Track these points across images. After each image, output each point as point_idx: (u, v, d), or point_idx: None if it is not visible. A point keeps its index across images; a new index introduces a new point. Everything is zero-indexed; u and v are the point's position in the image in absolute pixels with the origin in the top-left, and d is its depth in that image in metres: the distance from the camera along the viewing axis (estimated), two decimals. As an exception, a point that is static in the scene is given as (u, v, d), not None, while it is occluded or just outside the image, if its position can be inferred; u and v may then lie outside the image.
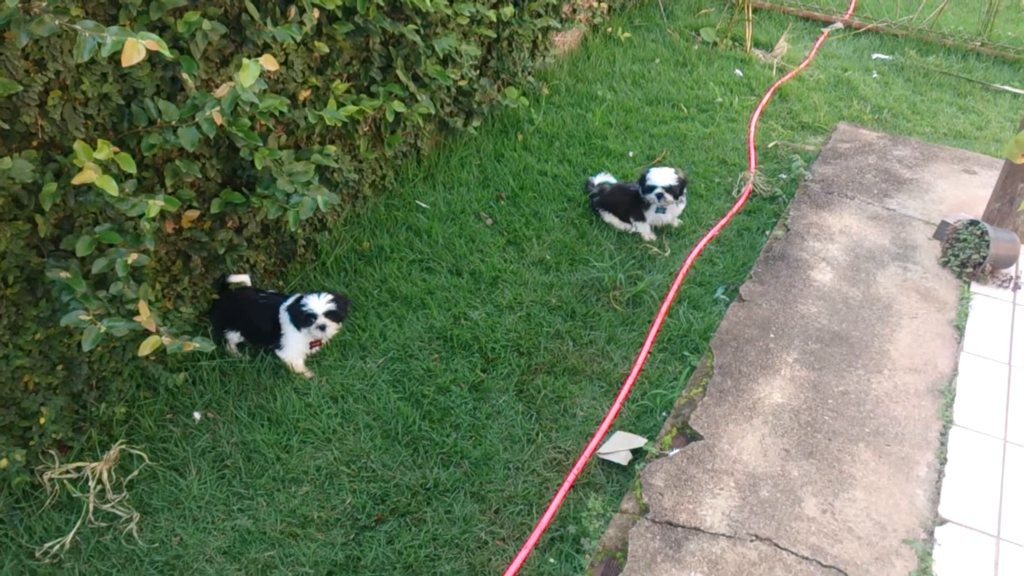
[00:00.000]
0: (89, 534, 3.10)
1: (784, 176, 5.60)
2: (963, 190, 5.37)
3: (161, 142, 2.99)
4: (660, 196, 4.68)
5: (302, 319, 3.61)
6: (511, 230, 4.87)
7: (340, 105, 3.97)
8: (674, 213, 4.90)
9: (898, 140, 6.04)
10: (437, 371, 3.87)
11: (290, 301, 3.70)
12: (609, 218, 4.99)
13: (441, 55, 4.70)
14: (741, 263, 4.70)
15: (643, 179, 4.73)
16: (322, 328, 3.62)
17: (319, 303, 3.59)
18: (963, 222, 4.65)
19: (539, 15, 5.90)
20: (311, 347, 3.77)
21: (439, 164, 5.32)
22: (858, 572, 2.93)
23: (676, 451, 3.39)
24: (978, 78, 7.44)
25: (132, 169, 2.77)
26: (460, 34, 4.98)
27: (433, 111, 4.76)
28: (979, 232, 4.52)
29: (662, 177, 4.68)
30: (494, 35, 5.31)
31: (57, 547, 3.03)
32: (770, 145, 6.04)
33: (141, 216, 2.85)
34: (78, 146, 2.66)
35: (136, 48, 2.40)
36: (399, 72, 4.45)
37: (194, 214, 3.48)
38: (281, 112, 3.45)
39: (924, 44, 8.07)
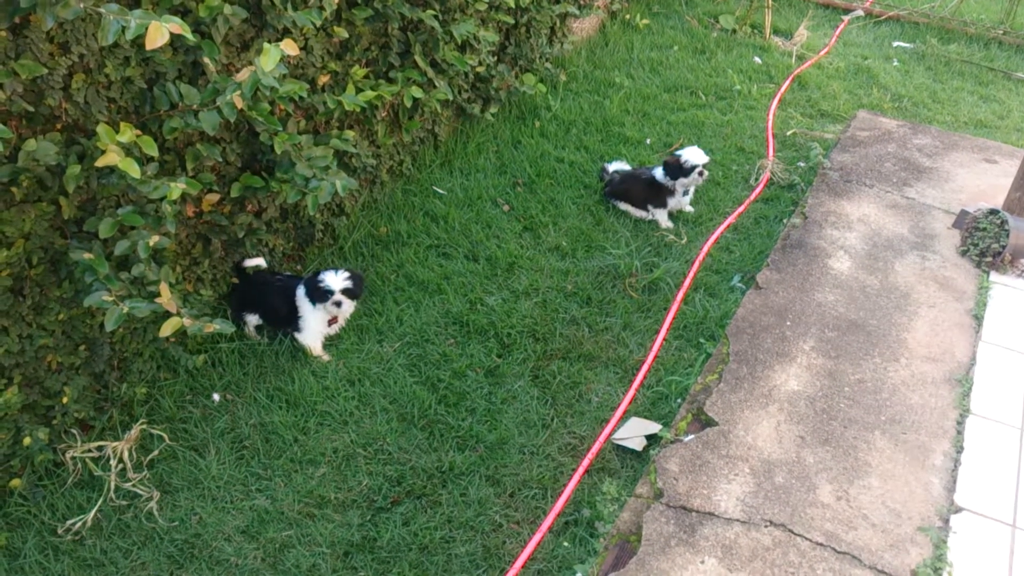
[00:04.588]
0: (110, 512, 3.15)
1: (802, 164, 5.57)
2: (983, 179, 5.33)
3: (183, 125, 3.02)
4: (700, 174, 4.68)
5: (319, 295, 3.64)
6: (527, 216, 4.88)
7: (359, 90, 3.98)
8: (689, 196, 4.90)
9: (918, 129, 5.99)
10: (453, 356, 3.89)
11: (307, 277, 3.74)
12: (624, 206, 4.98)
13: (459, 41, 4.70)
14: (758, 251, 4.68)
15: (673, 163, 4.70)
16: (338, 304, 3.65)
17: (336, 279, 3.63)
18: (983, 211, 4.61)
19: (557, 1, 5.89)
20: (328, 324, 3.80)
21: (456, 150, 5.33)
22: (872, 559, 2.94)
23: (691, 437, 3.40)
24: (1000, 67, 7.36)
25: (154, 152, 2.80)
26: (478, 20, 4.97)
27: (451, 97, 4.77)
28: (999, 221, 4.49)
29: (697, 155, 4.68)
30: (512, 21, 5.31)
31: (79, 524, 3.08)
32: (788, 133, 6.01)
33: (163, 199, 2.88)
34: (101, 129, 2.69)
35: (160, 31, 2.42)
36: (417, 58, 4.45)
37: (214, 197, 3.51)
38: (300, 97, 3.47)
39: (945, 32, 7.99)
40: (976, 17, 8.21)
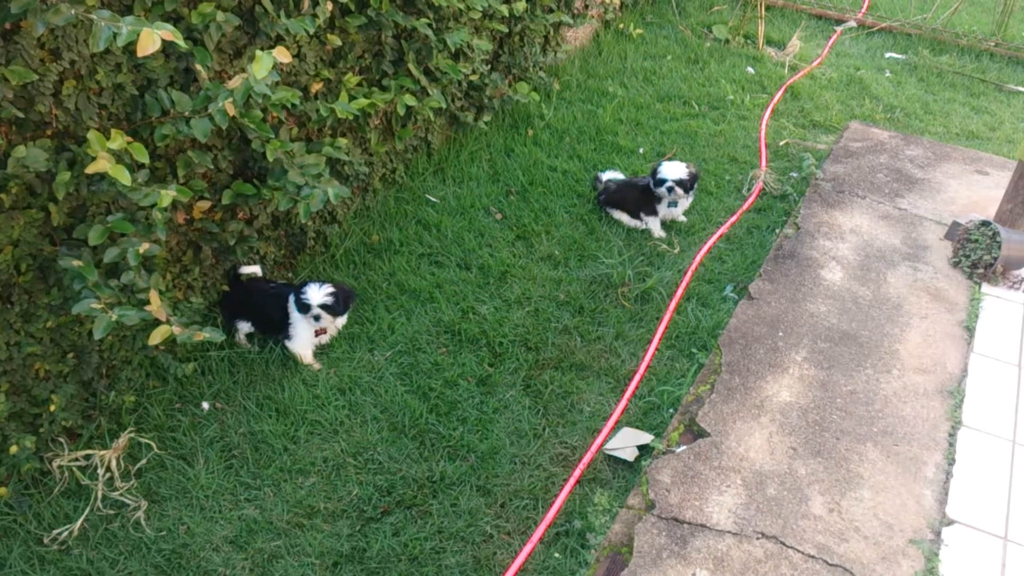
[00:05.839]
0: (97, 521, 3.12)
1: (795, 174, 5.58)
2: (975, 191, 5.35)
3: (174, 132, 3.00)
4: (671, 190, 4.68)
5: (300, 306, 3.66)
6: (520, 225, 4.87)
7: (352, 98, 3.97)
8: (682, 207, 4.90)
9: (910, 140, 6.01)
10: (445, 365, 3.88)
11: (296, 286, 3.74)
12: (618, 215, 4.99)
13: (453, 49, 4.69)
14: (751, 261, 4.69)
15: (654, 172, 4.73)
16: (316, 318, 3.64)
17: (317, 294, 3.62)
18: (975, 223, 4.63)
19: (551, 10, 5.89)
20: (316, 335, 3.78)
21: (449, 158, 5.33)
22: (864, 571, 2.93)
23: (683, 448, 3.39)
24: (991, 78, 7.40)
25: (145, 159, 2.79)
26: (472, 28, 4.97)
27: (444, 105, 4.76)
28: (991, 233, 4.50)
29: (673, 171, 4.69)
30: (506, 30, 5.30)
31: (65, 534, 3.05)
32: (781, 143, 6.02)
33: (153, 206, 2.86)
34: (92, 135, 2.67)
35: (152, 38, 2.41)
36: (411, 66, 4.45)
37: (205, 205, 3.49)
38: (293, 104, 3.46)
39: (937, 44, 8.02)
40: (968, 29, 8.25)
